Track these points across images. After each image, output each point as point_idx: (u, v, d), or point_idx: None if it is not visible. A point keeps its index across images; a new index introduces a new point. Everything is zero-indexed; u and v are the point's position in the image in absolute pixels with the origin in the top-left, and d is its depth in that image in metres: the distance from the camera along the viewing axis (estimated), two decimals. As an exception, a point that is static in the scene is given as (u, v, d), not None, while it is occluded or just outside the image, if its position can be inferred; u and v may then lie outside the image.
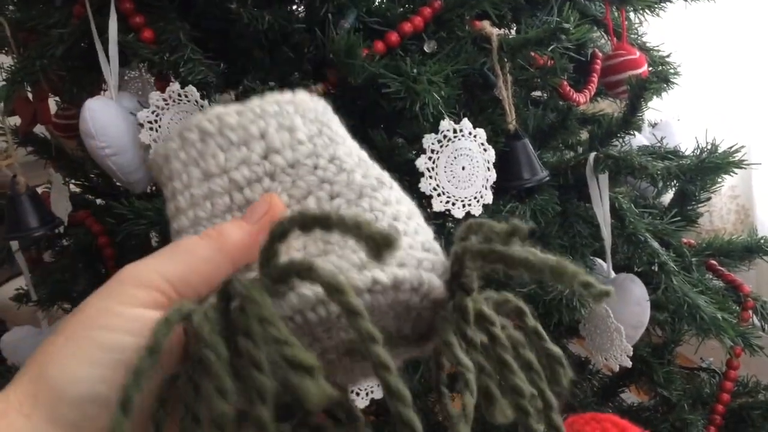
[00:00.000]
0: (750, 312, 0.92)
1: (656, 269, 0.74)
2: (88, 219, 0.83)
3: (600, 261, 0.81)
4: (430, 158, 0.65)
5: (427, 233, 0.33)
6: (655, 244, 0.76)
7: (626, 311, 0.76)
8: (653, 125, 1.01)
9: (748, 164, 0.76)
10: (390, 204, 0.32)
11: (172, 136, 0.31)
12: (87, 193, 0.95)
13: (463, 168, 0.66)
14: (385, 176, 0.34)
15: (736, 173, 0.83)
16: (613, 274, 0.79)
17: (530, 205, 0.73)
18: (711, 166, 0.77)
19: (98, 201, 0.92)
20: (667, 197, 1.00)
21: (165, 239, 1.06)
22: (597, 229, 0.78)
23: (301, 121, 0.33)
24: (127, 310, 0.27)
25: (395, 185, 0.34)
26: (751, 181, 1.41)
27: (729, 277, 0.95)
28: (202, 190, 0.31)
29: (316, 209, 0.31)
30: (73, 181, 0.96)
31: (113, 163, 0.65)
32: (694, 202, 0.94)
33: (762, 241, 0.95)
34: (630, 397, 1.05)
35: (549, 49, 0.70)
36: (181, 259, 0.29)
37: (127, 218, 0.66)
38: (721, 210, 1.49)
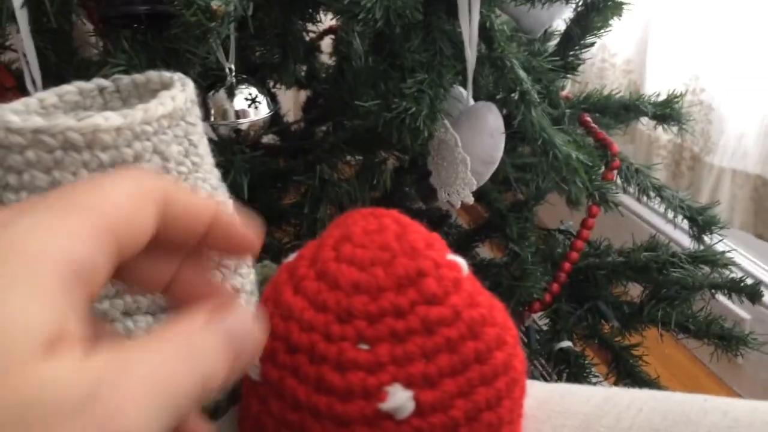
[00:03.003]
0: (614, 172, 0.87)
1: (516, 97, 0.65)
2: None
3: (461, 89, 0.72)
4: None
5: None
6: (522, 73, 0.67)
7: (477, 141, 0.67)
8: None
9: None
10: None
11: (20, 129, 0.27)
12: None
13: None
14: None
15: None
16: (472, 102, 0.71)
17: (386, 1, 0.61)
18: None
19: None
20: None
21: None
22: (461, 52, 0.69)
23: (176, 149, 0.33)
24: None
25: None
26: (645, 57, 1.36)
27: (601, 135, 0.89)
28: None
29: None
30: None
31: None
32: (578, 48, 0.86)
33: (639, 99, 0.89)
34: (483, 252, 1.01)
35: None
36: None
37: None
38: (612, 84, 1.44)
